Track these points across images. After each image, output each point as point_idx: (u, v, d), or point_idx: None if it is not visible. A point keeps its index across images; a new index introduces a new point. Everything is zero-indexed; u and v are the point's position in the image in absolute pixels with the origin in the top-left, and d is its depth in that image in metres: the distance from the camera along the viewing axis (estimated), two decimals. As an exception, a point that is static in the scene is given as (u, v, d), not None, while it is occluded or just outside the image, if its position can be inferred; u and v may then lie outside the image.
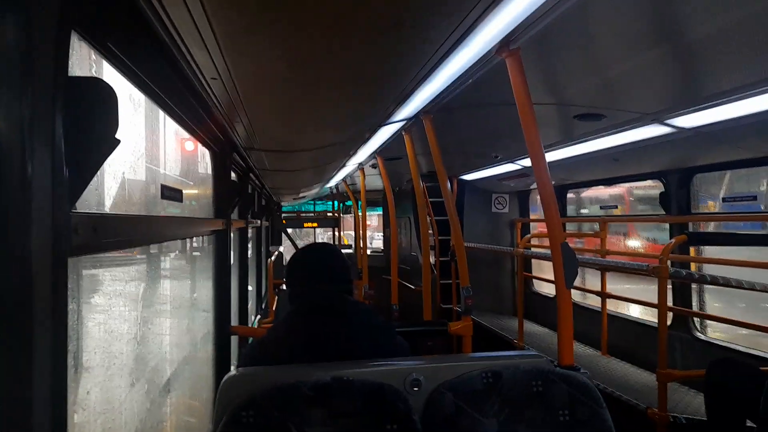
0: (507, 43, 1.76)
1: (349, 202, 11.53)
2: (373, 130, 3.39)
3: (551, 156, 4.21)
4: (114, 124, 0.81)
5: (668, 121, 3.07)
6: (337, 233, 12.37)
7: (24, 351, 0.68)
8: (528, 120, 1.98)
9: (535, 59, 2.15)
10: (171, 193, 1.80)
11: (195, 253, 2.76)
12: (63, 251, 0.77)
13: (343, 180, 7.50)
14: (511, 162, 5.19)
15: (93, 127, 0.78)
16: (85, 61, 0.96)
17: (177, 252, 2.48)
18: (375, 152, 4.50)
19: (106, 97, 0.79)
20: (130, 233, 1.17)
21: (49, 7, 0.70)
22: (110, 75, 1.06)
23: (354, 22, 1.18)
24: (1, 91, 0.64)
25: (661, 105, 2.87)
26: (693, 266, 4.19)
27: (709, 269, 3.91)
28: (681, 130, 3.16)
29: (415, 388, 1.42)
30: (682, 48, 2.10)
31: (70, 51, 0.79)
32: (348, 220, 12.66)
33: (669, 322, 3.64)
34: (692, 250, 4.15)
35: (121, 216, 1.20)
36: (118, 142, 0.82)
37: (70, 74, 0.76)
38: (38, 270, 0.70)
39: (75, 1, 0.77)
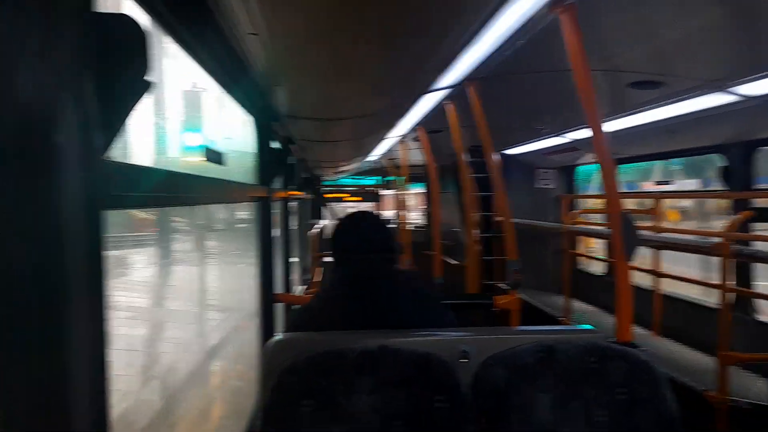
0: (562, -4, 1.65)
1: (391, 177, 11.49)
2: (415, 99, 3.31)
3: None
4: (145, 65, 0.77)
5: (732, 89, 2.86)
6: (377, 208, 12.37)
7: (57, 315, 0.64)
8: (585, 85, 1.86)
9: (589, 19, 2.01)
10: (214, 156, 1.78)
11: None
12: (98, 202, 0.73)
13: (385, 154, 7.44)
14: (558, 135, 5.01)
15: (123, 68, 0.74)
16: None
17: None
18: (417, 124, 4.41)
19: (136, 35, 0.75)
20: (168, 189, 1.15)
21: None
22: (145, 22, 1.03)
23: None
24: (25, 30, 0.60)
25: (724, 71, 2.68)
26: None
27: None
28: (746, 98, 2.95)
29: (463, 360, 1.38)
30: (747, 7, 1.93)
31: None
32: (389, 197, 12.62)
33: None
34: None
35: (160, 170, 1.18)
36: (149, 84, 0.78)
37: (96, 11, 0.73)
38: (70, 224, 0.66)
39: None
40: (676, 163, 4.91)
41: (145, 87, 0.78)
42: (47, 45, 0.63)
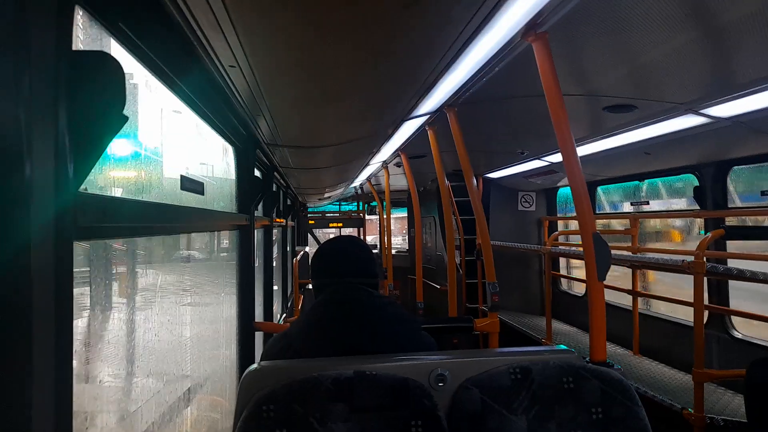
0: (534, 25, 1.70)
1: (374, 203, 11.52)
2: (397, 125, 3.34)
3: (580, 151, 4.10)
4: (121, 99, 0.78)
5: (703, 111, 2.94)
6: (362, 234, 12.36)
7: (24, 343, 0.63)
8: (557, 109, 1.91)
9: (563, 46, 2.07)
10: (192, 185, 1.78)
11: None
12: (68, 233, 0.73)
13: (368, 180, 7.47)
14: (538, 158, 5.08)
15: (99, 102, 0.75)
16: (95, 41, 0.93)
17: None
18: (399, 149, 4.45)
19: (113, 71, 0.76)
20: (143, 219, 1.14)
21: None
22: (123, 58, 1.04)
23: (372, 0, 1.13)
24: (1, 64, 0.61)
25: (695, 93, 2.76)
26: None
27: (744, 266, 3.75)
28: (717, 120, 3.03)
29: (440, 384, 1.37)
30: (717, 31, 1.99)
31: (79, 28, 0.76)
32: (372, 223, 12.65)
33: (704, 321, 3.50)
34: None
35: (134, 201, 1.17)
36: (125, 119, 0.79)
37: (74, 49, 0.73)
38: (40, 254, 0.65)
39: None
40: (663, 182, 4.99)
41: (122, 121, 0.78)
42: (23, 77, 0.63)
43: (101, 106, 0.75)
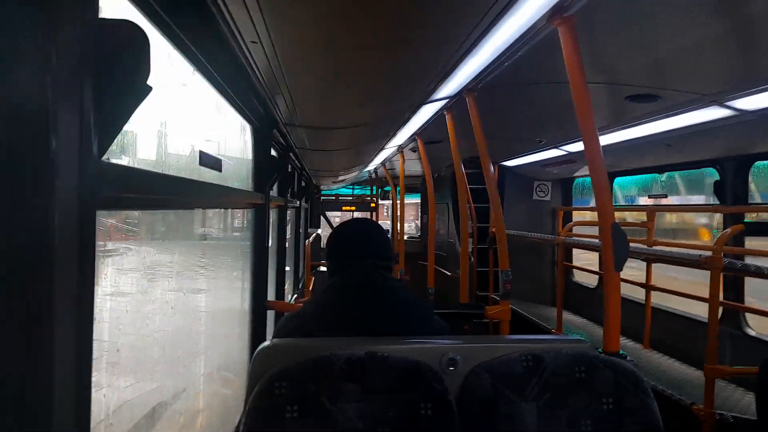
0: (560, 8, 1.66)
1: (387, 188, 11.50)
2: (414, 109, 3.32)
3: (600, 141, 4.05)
4: (145, 70, 0.77)
5: (729, 103, 2.88)
6: (375, 218, 12.38)
7: (46, 310, 0.63)
8: (581, 97, 1.87)
9: (587, 31, 2.03)
10: (210, 161, 1.78)
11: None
12: (91, 203, 0.73)
13: (383, 164, 7.46)
14: (556, 147, 5.03)
15: (123, 72, 0.74)
16: (120, 11, 0.93)
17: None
18: (415, 134, 4.42)
19: (138, 40, 0.75)
20: (163, 192, 1.15)
21: None
22: (147, 28, 1.03)
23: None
24: (26, 32, 0.61)
25: (721, 85, 2.70)
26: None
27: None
28: (743, 112, 2.97)
29: (451, 368, 1.37)
30: (745, 21, 1.94)
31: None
32: (384, 208, 12.64)
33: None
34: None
35: (155, 173, 1.17)
36: (149, 89, 0.79)
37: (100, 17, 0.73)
38: (64, 222, 0.66)
39: None
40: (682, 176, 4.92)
41: (146, 91, 0.78)
42: (46, 47, 0.63)
43: (126, 75, 0.75)
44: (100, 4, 0.76)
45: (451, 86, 2.71)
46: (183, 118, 1.61)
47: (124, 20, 0.75)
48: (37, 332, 0.63)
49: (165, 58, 1.31)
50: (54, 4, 0.64)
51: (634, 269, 4.88)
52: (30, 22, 0.61)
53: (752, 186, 3.99)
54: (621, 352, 1.80)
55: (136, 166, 1.16)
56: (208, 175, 1.80)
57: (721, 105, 2.90)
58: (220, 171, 1.90)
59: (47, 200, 0.64)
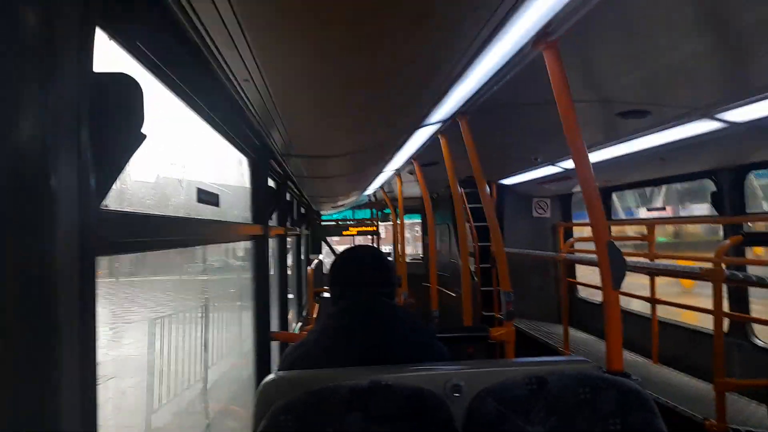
0: (544, 34, 1.70)
1: (387, 210, 11.52)
2: (409, 133, 3.36)
3: (593, 157, 4.07)
4: (140, 118, 0.80)
5: (719, 116, 2.92)
6: (375, 241, 12.37)
7: (48, 358, 0.65)
8: (569, 117, 1.91)
9: (574, 53, 2.07)
10: (207, 198, 1.80)
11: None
12: (91, 249, 0.75)
13: (381, 187, 7.49)
14: (552, 164, 5.06)
15: (119, 121, 0.77)
16: (114, 60, 0.96)
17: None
18: (411, 157, 4.46)
19: (132, 91, 0.78)
20: (163, 233, 1.17)
21: (71, 2, 0.69)
22: (140, 74, 1.07)
23: (384, 13, 1.15)
24: (26, 87, 0.63)
25: (710, 98, 2.74)
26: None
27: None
28: (733, 124, 3.00)
29: (456, 394, 1.37)
30: (731, 36, 1.98)
31: (97, 48, 0.78)
32: (385, 230, 12.63)
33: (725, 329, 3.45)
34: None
35: (154, 216, 1.19)
36: (144, 137, 0.81)
37: (95, 71, 0.76)
38: (64, 269, 0.67)
39: None
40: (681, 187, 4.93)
41: (141, 139, 0.81)
42: (47, 96, 0.65)
43: (121, 125, 0.77)
44: (97, 54, 0.79)
45: (444, 110, 2.75)
46: (180, 156, 1.64)
47: (119, 73, 0.78)
48: (41, 379, 0.64)
49: (159, 99, 1.34)
50: (52, 60, 0.67)
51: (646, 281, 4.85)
52: (30, 70, 0.64)
53: (759, 193, 3.99)
54: (625, 371, 1.80)
55: (133, 209, 1.18)
56: (206, 209, 1.83)
57: (711, 118, 2.94)
58: (218, 206, 1.93)
59: (48, 248, 0.65)
